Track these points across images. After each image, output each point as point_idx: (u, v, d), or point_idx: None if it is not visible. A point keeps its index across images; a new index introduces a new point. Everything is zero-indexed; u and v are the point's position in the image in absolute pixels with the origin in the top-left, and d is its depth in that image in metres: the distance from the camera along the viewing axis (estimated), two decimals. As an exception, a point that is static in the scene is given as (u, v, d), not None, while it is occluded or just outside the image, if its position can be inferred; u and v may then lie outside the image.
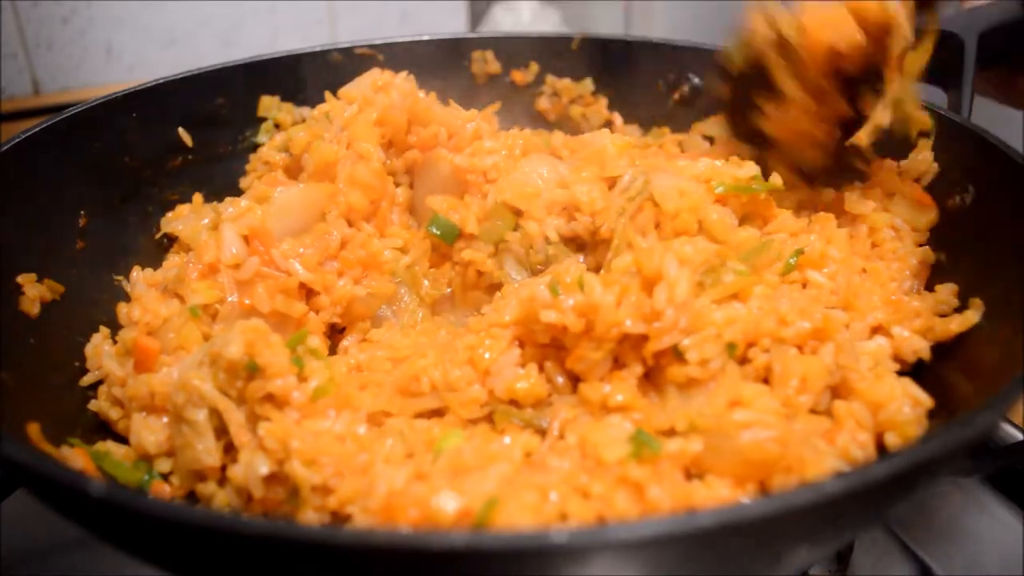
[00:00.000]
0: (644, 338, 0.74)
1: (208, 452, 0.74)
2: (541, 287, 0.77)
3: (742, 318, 0.75)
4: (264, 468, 0.69)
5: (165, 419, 0.80)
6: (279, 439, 0.69)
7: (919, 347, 0.83)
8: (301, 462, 0.68)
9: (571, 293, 0.75)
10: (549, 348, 0.79)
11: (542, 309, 0.76)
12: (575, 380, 0.79)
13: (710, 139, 1.23)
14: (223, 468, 0.75)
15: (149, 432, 0.79)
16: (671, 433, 0.70)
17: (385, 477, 0.64)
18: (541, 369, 0.80)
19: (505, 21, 2.17)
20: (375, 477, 0.65)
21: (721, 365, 0.73)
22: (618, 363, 0.76)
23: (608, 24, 2.14)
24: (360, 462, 0.68)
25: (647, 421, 0.71)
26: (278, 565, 0.49)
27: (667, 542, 0.46)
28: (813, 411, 0.75)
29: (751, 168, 0.95)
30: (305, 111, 1.21)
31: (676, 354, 0.73)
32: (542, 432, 0.75)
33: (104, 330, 0.93)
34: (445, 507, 0.60)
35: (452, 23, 2.20)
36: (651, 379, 0.76)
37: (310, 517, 0.67)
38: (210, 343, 0.78)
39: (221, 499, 0.73)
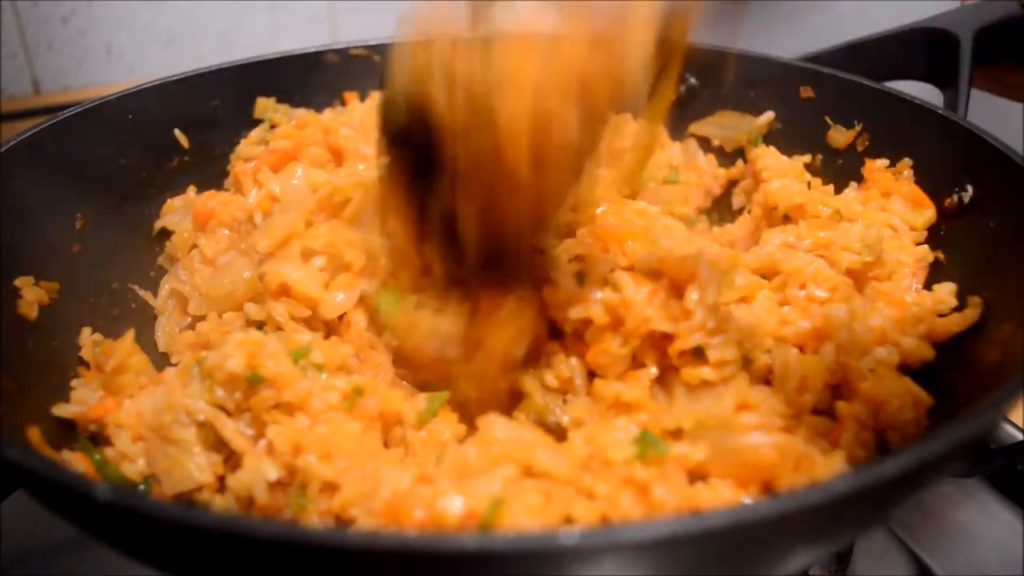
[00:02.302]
0: (668, 337, 0.75)
1: (200, 469, 0.73)
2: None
3: (758, 321, 0.76)
4: (273, 473, 0.68)
5: (141, 444, 0.78)
6: (290, 440, 0.69)
7: (926, 353, 0.83)
8: (317, 456, 0.67)
9: (600, 287, 0.77)
10: (570, 338, 0.81)
11: (569, 305, 0.77)
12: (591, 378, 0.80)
13: (706, 140, 1.23)
14: (220, 478, 0.74)
15: (128, 463, 0.77)
16: (677, 434, 0.71)
17: (389, 479, 0.64)
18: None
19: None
20: (379, 479, 0.65)
21: (736, 369, 0.73)
22: (635, 362, 0.77)
23: (607, 24, 2.13)
24: (367, 466, 0.68)
25: (654, 422, 0.71)
26: (285, 567, 0.49)
27: (678, 543, 0.46)
28: (816, 411, 0.75)
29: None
30: (301, 112, 1.21)
31: (697, 355, 0.74)
32: (549, 430, 0.75)
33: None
34: (451, 509, 0.59)
35: (452, 23, 2.19)
36: (662, 381, 0.77)
37: (313, 521, 0.67)
38: (198, 361, 0.76)
39: (219, 505, 0.73)
